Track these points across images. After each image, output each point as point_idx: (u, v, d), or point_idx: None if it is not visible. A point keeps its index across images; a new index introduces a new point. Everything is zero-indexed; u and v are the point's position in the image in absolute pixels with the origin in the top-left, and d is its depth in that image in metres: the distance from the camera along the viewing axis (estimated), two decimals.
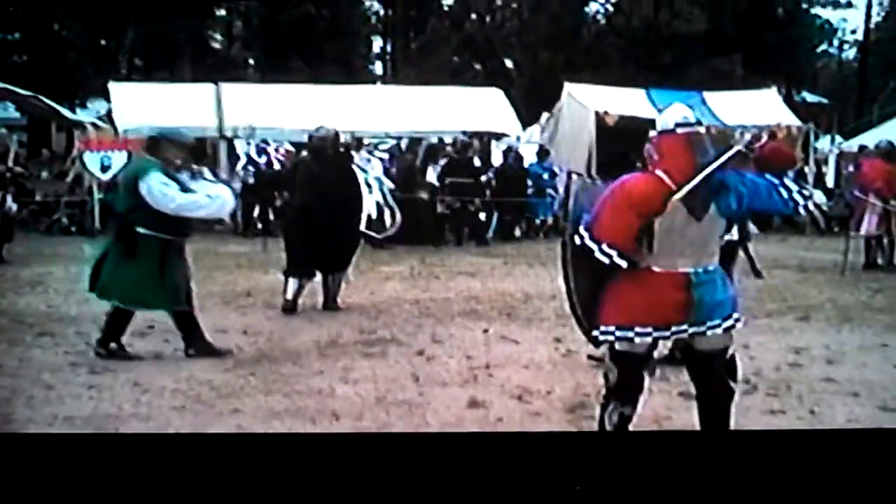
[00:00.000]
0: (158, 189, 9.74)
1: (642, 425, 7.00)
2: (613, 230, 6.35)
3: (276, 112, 23.32)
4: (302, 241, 12.73)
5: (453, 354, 10.40)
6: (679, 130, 6.48)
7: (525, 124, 27.82)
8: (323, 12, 44.56)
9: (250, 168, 22.73)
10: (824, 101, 48.02)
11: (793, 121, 26.57)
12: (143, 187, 9.75)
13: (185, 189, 9.90)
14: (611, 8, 48.33)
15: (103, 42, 42.36)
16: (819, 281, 16.17)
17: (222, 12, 48.45)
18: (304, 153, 14.53)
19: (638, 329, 6.47)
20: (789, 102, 33.80)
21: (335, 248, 12.70)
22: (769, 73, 38.15)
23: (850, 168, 24.62)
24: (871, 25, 51.66)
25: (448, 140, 24.19)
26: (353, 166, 13.70)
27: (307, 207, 12.72)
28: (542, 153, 25.15)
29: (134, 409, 8.23)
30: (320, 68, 38.11)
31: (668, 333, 6.55)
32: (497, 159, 24.98)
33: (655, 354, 6.92)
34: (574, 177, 23.50)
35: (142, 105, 24.01)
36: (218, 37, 49.85)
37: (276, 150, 22.90)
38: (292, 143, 22.20)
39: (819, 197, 24.78)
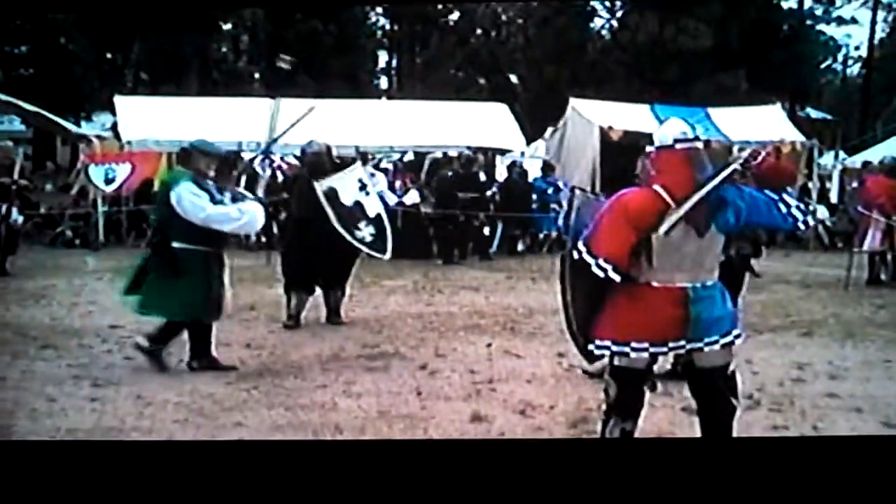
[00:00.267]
0: (188, 199, 9.76)
1: None
2: (610, 245, 6.36)
3: (281, 126, 23.30)
4: (299, 256, 12.71)
5: (456, 369, 10.40)
6: (677, 146, 6.50)
7: (529, 139, 27.84)
8: (329, 27, 44.57)
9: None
10: (828, 117, 47.97)
11: (797, 137, 26.57)
12: (173, 197, 9.79)
13: (215, 201, 9.92)
14: (616, 23, 48.26)
15: (109, 56, 42.44)
16: (822, 296, 16.16)
17: (229, 27, 48.48)
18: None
19: (634, 344, 6.48)
20: (793, 118, 33.76)
21: (331, 262, 12.64)
22: (774, 89, 38.15)
23: (854, 184, 24.59)
24: (875, 42, 51.61)
25: (452, 154, 24.19)
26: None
27: (303, 222, 12.72)
28: (547, 168, 25.17)
29: (136, 422, 8.23)
30: (326, 83, 38.12)
31: (665, 349, 6.56)
32: (501, 174, 25.02)
33: (657, 369, 6.94)
34: (577, 191, 23.45)
35: (147, 119, 24.06)
36: (224, 51, 49.89)
37: (281, 164, 22.89)
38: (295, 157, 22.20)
39: (822, 213, 24.82)
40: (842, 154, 28.81)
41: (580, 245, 6.47)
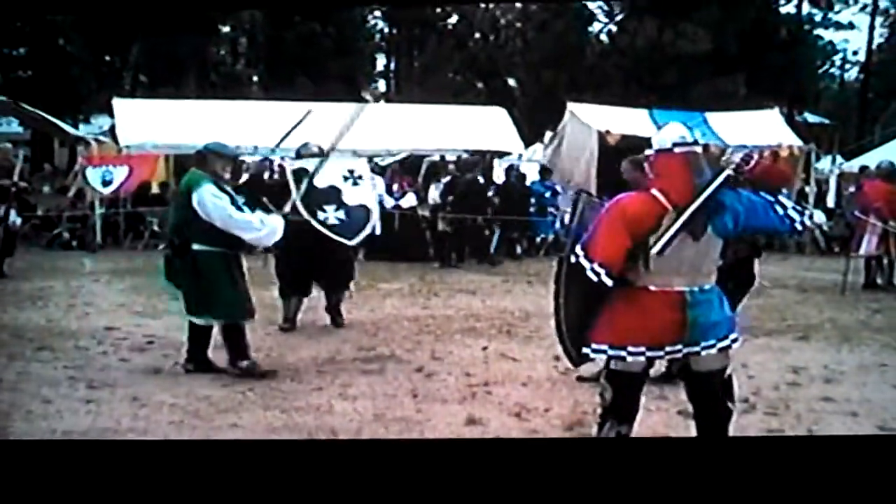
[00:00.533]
0: (211, 201, 9.74)
1: None
2: (605, 249, 6.36)
3: (279, 129, 23.31)
4: (292, 259, 12.62)
5: (452, 371, 10.39)
6: (676, 150, 6.50)
7: (528, 143, 27.85)
8: (328, 30, 44.60)
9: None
10: (826, 121, 48.00)
11: (795, 141, 26.59)
12: (194, 198, 9.75)
13: (235, 205, 9.92)
14: (614, 28, 48.30)
15: (108, 58, 42.51)
16: (819, 300, 16.17)
17: (227, 29, 48.51)
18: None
19: (631, 348, 6.49)
20: (791, 123, 33.77)
21: (325, 264, 12.55)
22: (772, 93, 38.15)
23: (851, 188, 24.62)
24: (874, 47, 51.70)
25: (450, 158, 24.21)
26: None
27: (295, 223, 12.66)
28: (545, 172, 25.17)
29: (132, 424, 8.23)
30: (324, 86, 38.13)
31: (661, 353, 6.57)
32: (499, 178, 25.02)
33: (652, 373, 6.94)
34: (583, 195, 23.43)
35: (145, 121, 24.06)
36: (223, 53, 49.93)
37: (279, 165, 22.90)
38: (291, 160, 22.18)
39: (819, 217, 24.81)
40: (839, 159, 28.77)
41: (578, 249, 6.47)
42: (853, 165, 27.50)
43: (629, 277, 6.42)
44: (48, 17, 35.51)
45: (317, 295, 13.02)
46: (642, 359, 6.56)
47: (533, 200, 23.96)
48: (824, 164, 28.51)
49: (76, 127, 33.22)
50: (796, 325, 13.67)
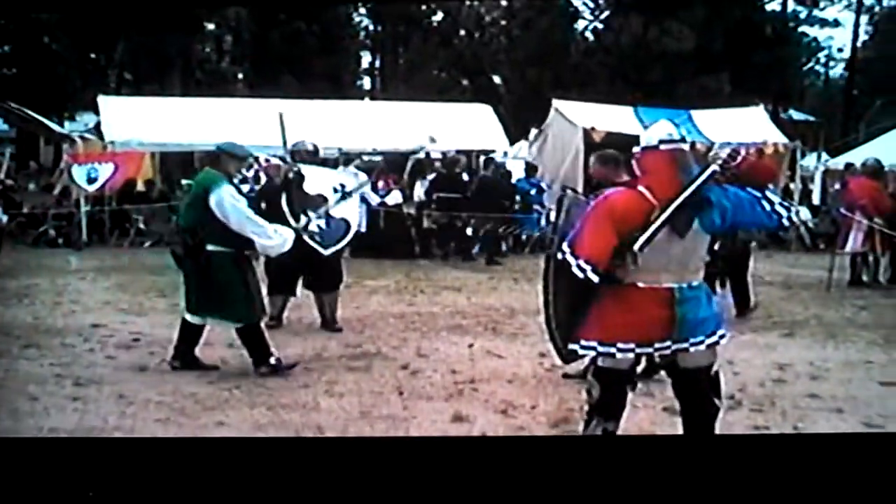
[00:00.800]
0: (230, 202, 9.72)
1: None
2: (591, 246, 6.36)
3: (264, 127, 23.31)
4: (281, 257, 12.52)
5: (438, 369, 10.39)
6: (662, 147, 6.51)
7: (513, 140, 27.88)
8: (313, 28, 44.56)
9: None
10: (811, 119, 48.12)
11: (780, 138, 26.66)
12: (212, 199, 9.71)
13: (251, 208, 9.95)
14: (600, 25, 48.34)
15: (93, 55, 42.41)
16: (804, 297, 16.21)
17: (212, 27, 48.43)
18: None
19: (620, 345, 6.50)
20: (776, 120, 33.84)
21: (310, 264, 12.45)
22: (757, 91, 38.26)
23: (837, 186, 24.64)
24: (858, 44, 51.82)
25: (435, 156, 24.20)
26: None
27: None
28: (530, 169, 25.16)
29: (118, 422, 8.21)
30: (309, 83, 38.09)
31: (650, 350, 6.58)
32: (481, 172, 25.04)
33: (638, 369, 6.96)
34: (568, 192, 23.39)
35: (131, 119, 24.06)
36: (208, 51, 49.86)
37: (265, 164, 22.86)
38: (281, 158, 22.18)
39: (805, 214, 24.87)
40: (824, 156, 28.82)
41: (565, 246, 6.47)
42: (838, 162, 27.53)
43: (617, 274, 6.42)
44: (32, 14, 35.49)
45: (304, 293, 12.97)
46: (631, 356, 6.58)
47: (518, 198, 23.93)
48: (809, 161, 28.59)
49: (61, 125, 33.13)
50: (782, 321, 13.69)
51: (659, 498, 5.10)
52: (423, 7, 50.64)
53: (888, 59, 47.51)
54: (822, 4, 50.89)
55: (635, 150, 6.70)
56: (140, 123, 23.60)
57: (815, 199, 27.09)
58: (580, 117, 25.49)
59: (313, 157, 13.03)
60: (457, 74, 51.63)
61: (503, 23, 51.53)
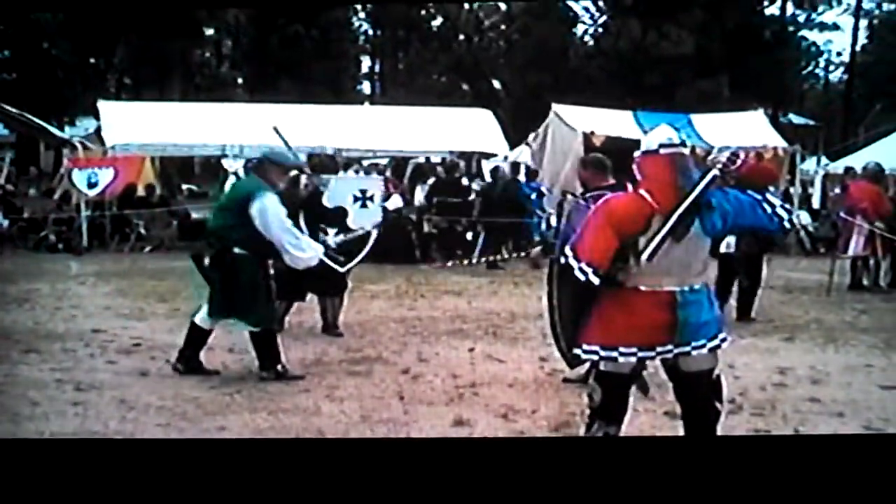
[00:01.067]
0: (274, 210, 9.70)
1: None
2: (592, 249, 6.36)
3: (264, 131, 23.33)
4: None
5: (439, 373, 10.38)
6: (662, 151, 6.51)
7: (513, 144, 27.89)
8: (312, 32, 44.61)
9: None
10: (811, 122, 48.22)
11: (779, 142, 26.64)
12: (255, 205, 9.66)
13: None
14: (598, 30, 48.41)
15: (93, 60, 42.47)
16: (804, 301, 16.21)
17: (211, 32, 48.49)
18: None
19: (622, 349, 6.49)
20: (776, 124, 33.87)
21: (315, 270, 12.40)
22: (756, 95, 38.27)
23: (836, 189, 24.68)
24: (857, 48, 51.90)
25: (435, 160, 24.23)
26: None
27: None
28: (530, 173, 25.14)
29: (119, 426, 8.21)
30: (309, 88, 38.13)
31: (652, 354, 6.57)
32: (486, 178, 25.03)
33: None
34: (568, 196, 23.35)
35: (131, 123, 24.06)
36: (207, 56, 49.93)
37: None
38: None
39: (805, 218, 24.86)
40: (824, 160, 28.87)
41: (567, 250, 6.47)
42: (838, 166, 27.56)
43: (619, 278, 6.42)
44: (31, 16, 35.51)
45: (307, 297, 12.95)
46: (633, 360, 6.57)
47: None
48: (809, 164, 28.61)
49: (61, 129, 33.19)
50: (782, 325, 13.70)
51: (659, 499, 5.09)
52: (423, 11, 50.73)
53: (887, 62, 47.61)
54: (820, 8, 51.01)
55: (636, 154, 6.70)
56: (140, 128, 23.61)
57: (815, 203, 27.11)
58: (580, 121, 25.46)
59: (332, 164, 12.92)
60: (456, 79, 51.70)
61: (502, 27, 51.61)
